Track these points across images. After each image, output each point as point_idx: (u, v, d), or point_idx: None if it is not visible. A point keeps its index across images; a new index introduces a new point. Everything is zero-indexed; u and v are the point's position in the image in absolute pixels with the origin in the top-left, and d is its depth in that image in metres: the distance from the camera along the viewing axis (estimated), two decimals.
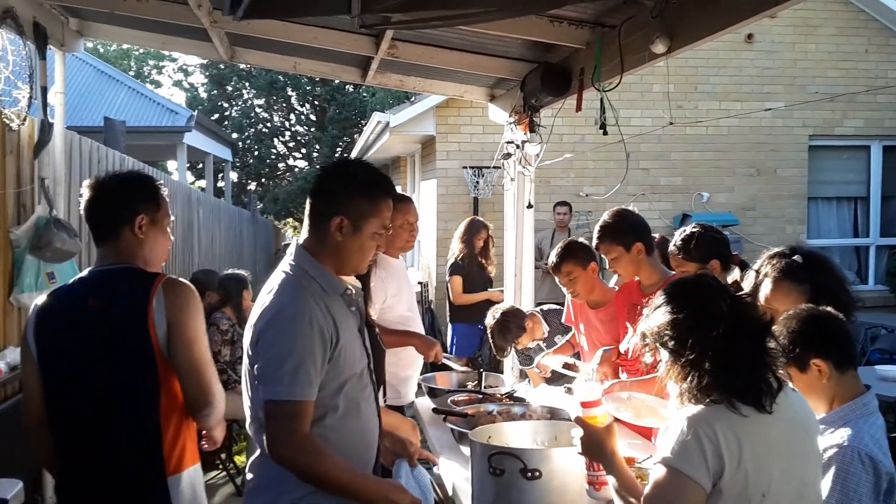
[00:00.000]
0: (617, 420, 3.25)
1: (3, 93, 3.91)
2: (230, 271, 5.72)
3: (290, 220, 33.84)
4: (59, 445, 2.29)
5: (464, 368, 3.92)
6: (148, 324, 2.19)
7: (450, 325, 6.89)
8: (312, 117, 30.96)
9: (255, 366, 2.02)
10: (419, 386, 3.77)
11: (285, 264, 2.15)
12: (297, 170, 31.37)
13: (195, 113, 15.73)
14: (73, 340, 2.25)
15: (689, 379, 1.84)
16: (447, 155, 9.08)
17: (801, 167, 9.66)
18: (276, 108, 30.98)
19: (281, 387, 1.96)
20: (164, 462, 2.22)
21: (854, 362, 2.29)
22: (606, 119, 3.77)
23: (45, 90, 4.26)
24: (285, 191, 29.29)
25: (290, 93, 29.94)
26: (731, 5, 2.67)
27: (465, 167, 8.79)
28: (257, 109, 30.95)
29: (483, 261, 6.78)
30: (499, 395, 3.43)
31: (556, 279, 3.75)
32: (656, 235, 4.84)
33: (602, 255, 3.51)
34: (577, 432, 2.06)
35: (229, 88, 30.27)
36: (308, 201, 2.19)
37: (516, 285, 5.05)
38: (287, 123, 31.50)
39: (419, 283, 8.88)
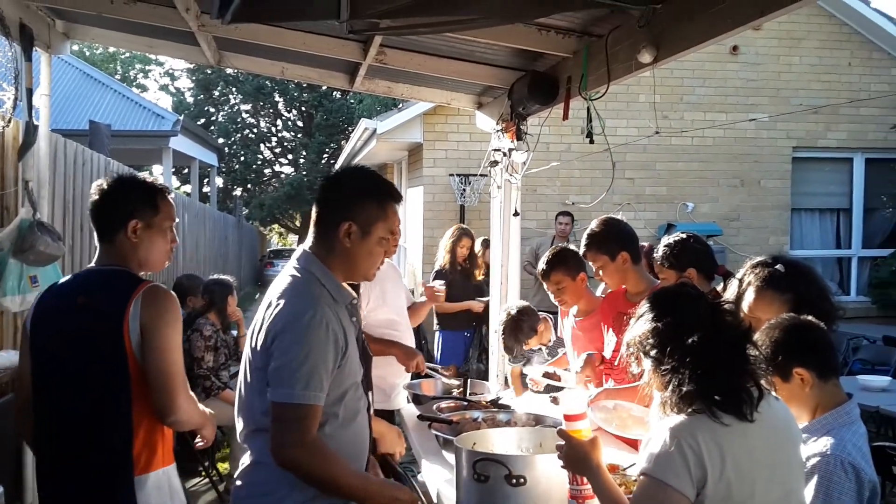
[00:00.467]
0: (600, 429, 3.27)
1: None
2: (215, 276, 5.68)
3: (276, 226, 33.76)
4: (36, 431, 2.38)
5: (450, 376, 3.91)
6: (123, 327, 2.24)
7: (437, 333, 6.89)
8: (299, 123, 30.92)
9: (268, 368, 2.02)
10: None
11: (292, 269, 2.16)
12: (283, 176, 31.29)
13: (181, 117, 15.68)
14: (59, 334, 2.34)
15: (670, 387, 1.85)
16: (434, 162, 9.09)
17: (784, 178, 9.75)
18: (262, 113, 30.93)
19: (295, 390, 1.97)
20: (133, 462, 2.27)
21: (836, 371, 2.31)
22: (593, 128, 3.79)
23: (30, 92, 4.23)
24: (271, 197, 29.21)
25: (277, 98, 29.90)
26: (717, 16, 2.69)
27: (451, 175, 8.81)
28: (244, 115, 30.89)
29: (468, 269, 6.79)
30: (484, 402, 3.42)
31: (545, 286, 3.76)
32: (645, 244, 4.88)
33: (590, 263, 3.53)
34: (561, 445, 2.06)
35: (216, 93, 30.19)
36: (315, 209, 2.21)
37: (503, 293, 5.05)
38: (274, 129, 31.45)
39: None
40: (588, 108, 3.80)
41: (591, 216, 3.76)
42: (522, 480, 2.11)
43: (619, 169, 9.09)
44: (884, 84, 9.50)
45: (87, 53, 31.06)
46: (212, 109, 30.52)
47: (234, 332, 5.53)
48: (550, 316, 4.47)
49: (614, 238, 3.42)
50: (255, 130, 30.86)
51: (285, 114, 31.03)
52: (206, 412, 2.53)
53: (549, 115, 4.42)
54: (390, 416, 3.64)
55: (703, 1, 2.78)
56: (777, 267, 2.54)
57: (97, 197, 2.42)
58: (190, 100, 31.34)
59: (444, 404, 3.35)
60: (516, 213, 4.91)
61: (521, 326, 4.21)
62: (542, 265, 3.72)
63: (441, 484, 2.67)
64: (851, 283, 10.12)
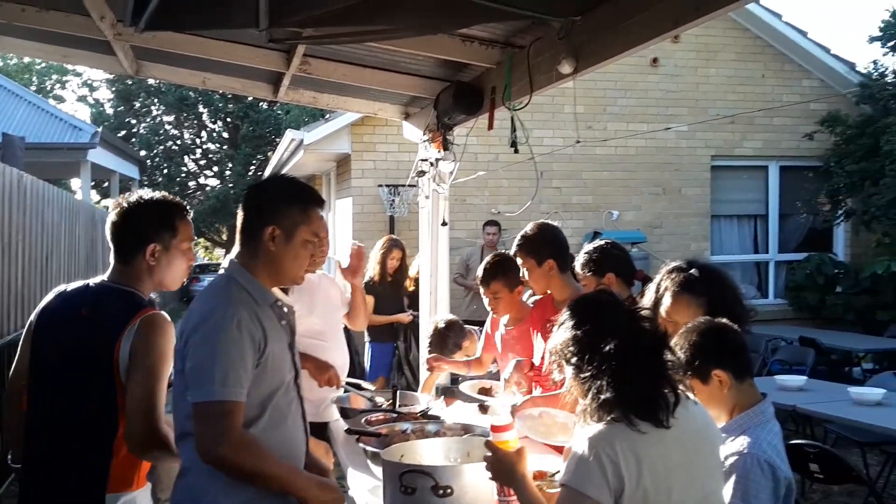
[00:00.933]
0: (527, 438, 3.29)
1: None
2: None
3: (202, 240, 32.95)
4: (26, 431, 2.43)
5: (378, 388, 3.87)
6: (116, 347, 2.27)
7: (367, 345, 6.83)
8: (225, 135, 30.34)
9: (184, 370, 2.04)
10: None
11: (215, 277, 2.23)
12: (208, 188, 30.61)
13: (100, 129, 15.23)
14: (57, 341, 2.40)
15: (589, 394, 1.88)
16: (362, 173, 9.04)
17: (704, 186, 10.05)
18: (186, 125, 30.22)
19: (212, 388, 1.97)
20: (108, 480, 2.28)
21: (751, 371, 2.39)
22: (517, 138, 3.83)
23: None
24: (196, 210, 28.51)
25: (201, 109, 29.26)
26: (632, 29, 2.76)
27: (381, 185, 8.77)
28: (167, 126, 30.11)
29: (399, 280, 6.78)
30: (413, 414, 3.40)
31: (481, 290, 3.77)
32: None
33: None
34: (488, 456, 2.07)
35: (137, 104, 29.36)
36: (239, 217, 2.25)
37: (431, 304, 5.04)
38: (198, 141, 30.75)
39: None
40: (512, 118, 3.84)
41: (520, 225, 3.79)
42: (449, 491, 2.10)
43: (547, 178, 9.24)
44: (795, 95, 9.90)
45: (1, 64, 29.85)
46: (133, 121, 29.66)
47: None
48: (476, 330, 4.46)
49: (544, 244, 3.47)
50: (178, 142, 30.12)
51: (210, 125, 30.38)
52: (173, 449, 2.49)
53: (475, 125, 4.45)
54: (321, 428, 3.57)
55: (619, 14, 2.84)
56: (692, 272, 2.61)
57: (116, 218, 2.46)
58: (110, 111, 30.39)
59: (373, 417, 3.31)
60: (445, 223, 4.92)
61: (446, 342, 4.20)
62: (481, 271, 3.72)
63: (368, 497, 2.64)
64: (769, 287, 10.49)
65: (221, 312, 2.05)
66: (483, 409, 3.47)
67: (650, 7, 2.63)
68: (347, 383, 3.76)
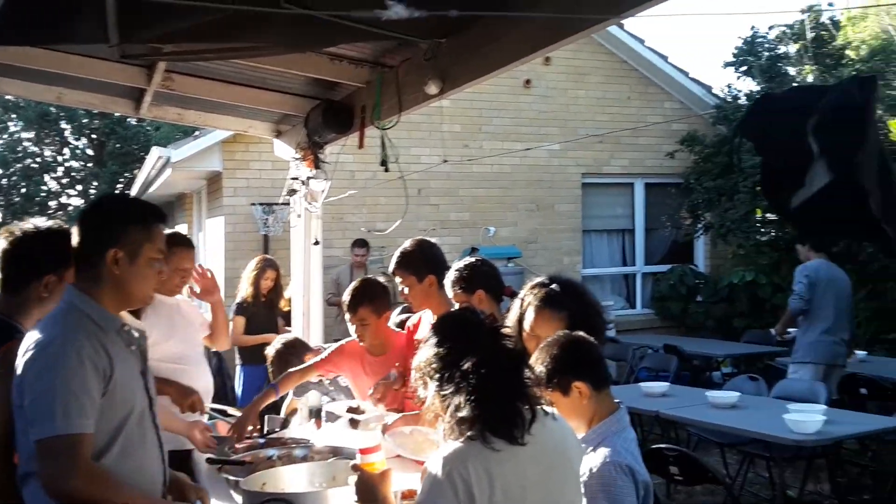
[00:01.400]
0: (400, 456, 3.28)
1: None
2: None
3: None
4: None
5: (236, 414, 3.73)
6: None
7: (238, 368, 6.63)
8: (90, 152, 28.79)
9: (23, 405, 1.92)
10: None
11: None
12: (70, 208, 28.94)
13: None
14: None
15: (448, 412, 1.90)
16: (235, 191, 8.81)
17: (575, 203, 10.41)
18: (47, 141, 28.49)
19: (54, 422, 1.87)
20: None
21: (608, 381, 2.47)
22: (388, 156, 3.84)
23: None
24: None
25: (63, 125, 27.67)
26: (494, 52, 2.84)
27: (254, 204, 8.57)
28: (25, 143, 28.29)
29: (273, 301, 6.63)
30: (281, 439, 3.32)
31: (347, 317, 3.68)
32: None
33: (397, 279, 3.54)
34: (353, 479, 2.06)
35: None
36: (75, 240, 2.14)
37: (304, 324, 4.96)
38: (60, 158, 29.05)
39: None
40: (382, 137, 3.85)
41: (398, 242, 3.76)
42: None
43: (425, 195, 9.32)
44: (658, 116, 10.42)
45: None
46: None
47: None
48: (325, 347, 4.36)
49: (425, 260, 3.46)
50: (38, 160, 28.34)
51: (73, 142, 28.77)
52: None
53: (346, 143, 4.43)
54: (185, 456, 3.41)
55: (481, 38, 2.92)
56: (553, 287, 2.69)
57: (7, 246, 2.37)
58: None
59: (239, 444, 3.21)
60: (317, 243, 4.87)
61: (288, 360, 4.05)
62: (347, 297, 3.58)
63: None
64: (637, 297, 10.96)
65: (60, 342, 1.95)
66: (354, 423, 3.43)
67: (510, 32, 2.71)
68: (212, 409, 3.63)
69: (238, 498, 2.59)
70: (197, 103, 5.07)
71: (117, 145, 26.79)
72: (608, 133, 9.65)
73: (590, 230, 10.66)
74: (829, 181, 1.77)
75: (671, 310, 10.27)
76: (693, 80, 10.85)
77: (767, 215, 9.19)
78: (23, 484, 1.99)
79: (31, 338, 2.03)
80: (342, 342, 3.80)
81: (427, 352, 2.03)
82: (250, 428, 3.49)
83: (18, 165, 27.47)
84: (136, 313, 2.74)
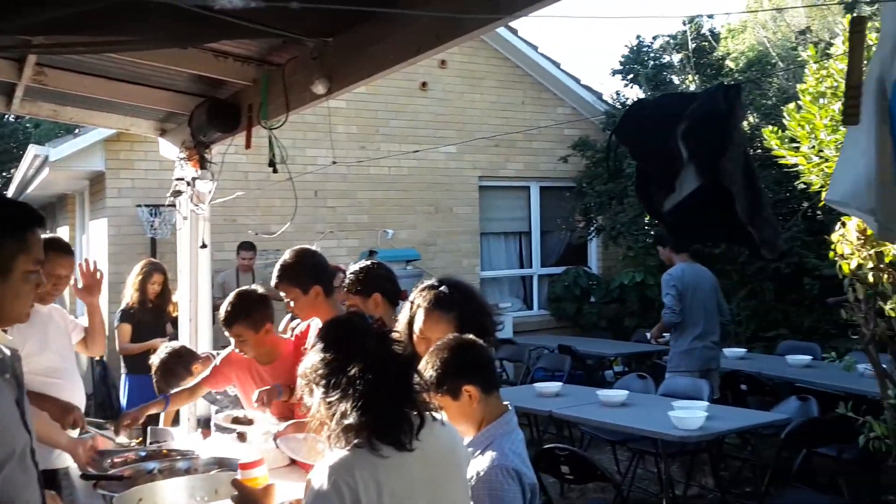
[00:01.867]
0: (295, 462, 3.20)
1: None
2: None
3: None
4: None
5: (129, 425, 3.55)
6: None
7: (124, 377, 6.33)
8: None
9: None
10: None
11: None
12: None
13: None
14: None
15: (334, 420, 1.85)
16: (119, 192, 8.41)
17: (473, 205, 10.50)
18: None
19: None
20: None
21: (498, 384, 2.48)
22: (276, 157, 3.74)
23: None
24: None
25: None
26: (380, 53, 2.81)
27: (139, 205, 8.21)
28: None
29: (161, 306, 6.37)
30: (164, 451, 3.18)
31: (226, 333, 3.49)
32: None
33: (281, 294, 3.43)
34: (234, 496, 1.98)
35: None
36: None
37: (191, 330, 4.78)
38: None
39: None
40: (270, 138, 3.75)
41: (293, 244, 3.65)
42: None
43: (321, 198, 9.19)
44: (551, 121, 10.66)
45: None
46: None
47: None
48: (213, 354, 4.22)
49: (308, 271, 3.37)
50: None
51: None
52: None
53: (232, 142, 4.30)
54: (52, 476, 3.21)
55: (367, 38, 2.88)
56: (442, 289, 2.69)
57: None
58: None
59: (118, 458, 3.05)
60: (204, 246, 4.70)
61: (173, 370, 3.89)
62: (222, 314, 3.40)
63: None
64: (534, 299, 11.16)
65: None
66: (241, 437, 3.33)
67: (395, 33, 2.69)
68: (87, 423, 3.43)
69: None
70: (74, 100, 4.80)
71: None
72: (505, 134, 9.78)
73: (487, 233, 10.77)
74: (698, 186, 1.84)
75: (566, 310, 10.50)
76: (584, 86, 11.15)
77: None
78: None
79: None
80: (229, 350, 3.67)
81: (313, 358, 1.99)
82: (134, 443, 3.32)
83: None
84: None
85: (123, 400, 6.23)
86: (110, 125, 5.65)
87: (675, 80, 10.48)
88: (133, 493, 2.23)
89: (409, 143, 9.68)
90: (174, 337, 6.02)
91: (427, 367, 2.32)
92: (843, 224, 4.02)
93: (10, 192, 11.95)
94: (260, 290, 3.55)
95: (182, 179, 4.61)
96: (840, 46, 4.28)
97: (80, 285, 3.60)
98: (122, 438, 3.35)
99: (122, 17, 2.83)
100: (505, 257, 11.07)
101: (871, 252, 3.86)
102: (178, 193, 4.66)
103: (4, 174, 25.26)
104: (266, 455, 2.79)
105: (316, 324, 3.40)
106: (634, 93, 11.09)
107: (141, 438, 3.36)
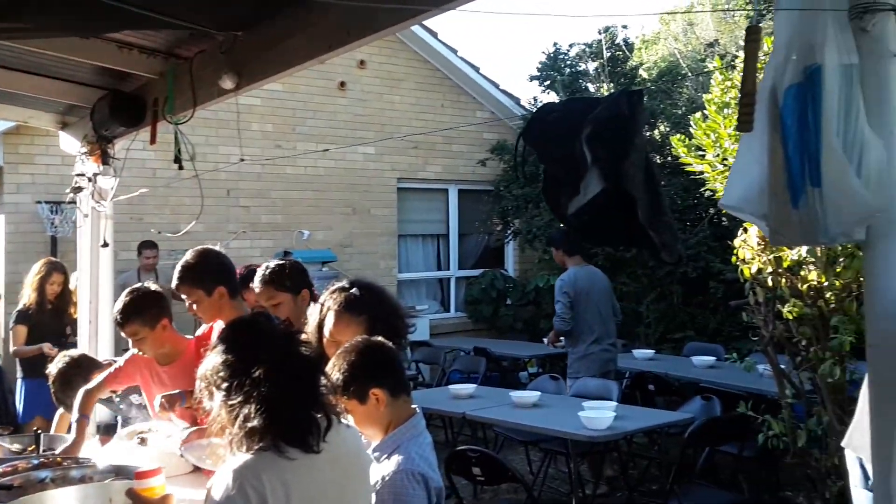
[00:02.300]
0: (199, 469, 3.10)
1: None
2: None
3: None
4: None
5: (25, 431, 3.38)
6: None
7: (20, 381, 6.02)
8: None
9: None
10: None
11: None
12: None
13: None
14: None
15: (237, 423, 1.80)
16: (18, 188, 8.00)
17: (391, 207, 10.46)
18: None
19: None
20: None
21: (406, 387, 2.46)
22: (181, 153, 3.62)
23: None
24: None
25: None
26: (290, 49, 2.75)
27: (39, 202, 7.84)
28: None
29: (61, 307, 6.09)
30: (58, 459, 3.02)
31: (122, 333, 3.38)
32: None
33: (183, 297, 3.33)
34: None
35: None
36: None
37: (91, 333, 4.58)
38: None
39: None
40: (175, 133, 3.63)
41: (205, 244, 3.53)
42: None
43: (234, 197, 8.98)
44: (470, 124, 10.72)
45: None
46: None
47: None
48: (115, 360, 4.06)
49: (211, 272, 3.28)
50: None
51: None
52: None
53: (136, 137, 4.14)
54: None
55: (278, 34, 2.82)
56: (352, 290, 2.65)
57: None
58: None
59: (6, 467, 2.88)
60: (106, 245, 4.51)
61: (72, 380, 3.69)
62: (115, 312, 3.30)
63: None
64: (451, 301, 11.20)
65: None
66: (143, 441, 3.21)
67: (306, 29, 2.64)
68: None
69: None
70: None
71: None
72: (423, 134, 9.78)
73: (405, 235, 10.75)
74: (602, 189, 1.87)
75: (483, 313, 10.58)
76: (503, 91, 11.27)
77: None
78: None
79: None
80: (133, 351, 3.54)
81: (214, 360, 1.93)
82: (29, 448, 3.16)
83: None
84: None
85: (20, 406, 5.92)
86: (8, 117, 5.39)
87: (591, 87, 10.70)
88: (23, 502, 2.11)
89: (326, 143, 9.55)
90: (73, 342, 5.77)
91: (334, 370, 2.28)
92: (745, 230, 4.17)
93: None
94: (153, 286, 3.42)
95: (83, 175, 4.42)
96: None
97: None
98: (17, 445, 3.18)
99: (21, 3, 2.69)
100: (422, 259, 11.07)
101: (770, 257, 4.01)
102: (78, 189, 4.47)
103: None
104: (169, 462, 2.71)
105: (220, 324, 3.32)
106: (551, 99, 11.27)
107: (34, 446, 3.19)
